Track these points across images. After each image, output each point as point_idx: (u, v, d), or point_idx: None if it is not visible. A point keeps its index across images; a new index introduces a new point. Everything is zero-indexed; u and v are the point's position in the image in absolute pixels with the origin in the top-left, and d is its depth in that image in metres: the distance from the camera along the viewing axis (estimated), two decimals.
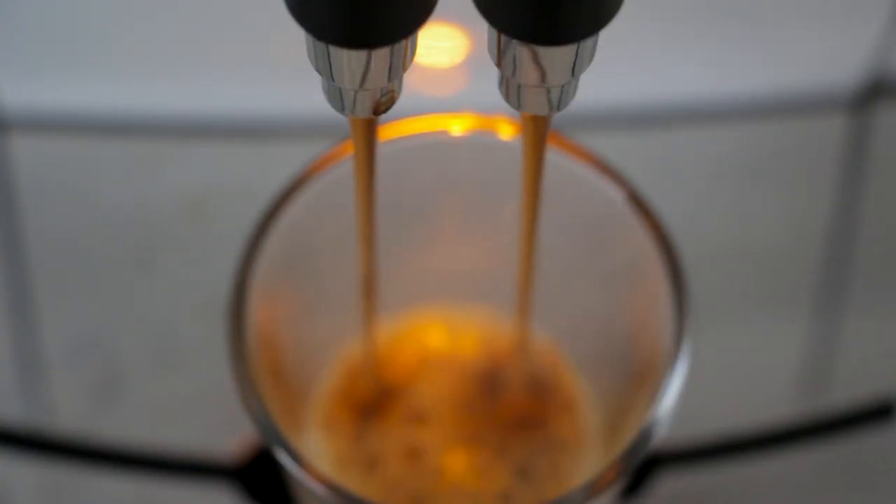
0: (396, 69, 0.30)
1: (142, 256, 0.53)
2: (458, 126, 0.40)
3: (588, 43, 0.29)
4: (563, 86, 0.31)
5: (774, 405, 0.51)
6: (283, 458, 0.35)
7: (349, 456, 0.40)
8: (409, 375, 0.42)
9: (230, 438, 0.46)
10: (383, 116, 0.32)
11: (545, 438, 0.41)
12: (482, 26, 0.29)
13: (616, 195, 0.38)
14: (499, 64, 0.30)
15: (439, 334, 0.42)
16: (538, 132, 0.33)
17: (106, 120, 0.55)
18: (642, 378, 0.38)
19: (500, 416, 0.41)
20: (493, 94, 0.32)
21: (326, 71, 0.30)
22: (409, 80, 0.32)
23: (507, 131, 0.39)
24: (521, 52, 0.29)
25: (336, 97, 0.31)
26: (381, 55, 0.29)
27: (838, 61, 0.56)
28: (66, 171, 0.55)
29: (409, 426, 0.41)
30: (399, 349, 0.42)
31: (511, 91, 0.31)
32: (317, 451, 0.40)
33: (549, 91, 0.31)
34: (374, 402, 0.41)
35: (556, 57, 0.29)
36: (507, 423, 0.41)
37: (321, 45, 0.29)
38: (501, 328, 0.42)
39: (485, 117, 0.39)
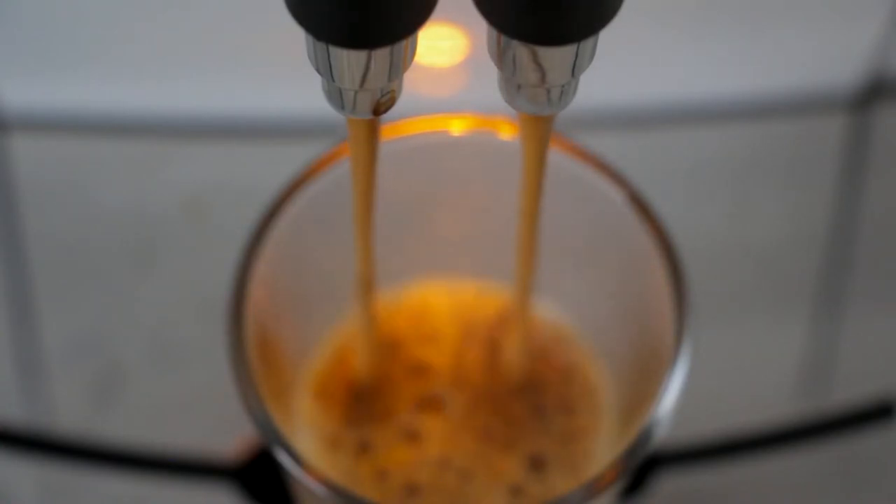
0: (396, 69, 0.30)
1: (141, 256, 0.53)
2: (458, 126, 0.40)
3: (588, 43, 0.29)
4: (563, 86, 0.31)
5: (774, 405, 0.51)
6: (283, 458, 0.35)
7: (339, 438, 0.40)
8: (411, 361, 0.41)
9: (230, 438, 0.46)
10: (383, 116, 0.32)
11: (560, 428, 0.40)
12: (482, 26, 0.29)
13: (616, 195, 0.38)
14: (499, 64, 0.30)
15: (441, 320, 0.42)
16: (539, 132, 0.33)
17: (106, 120, 0.56)
18: (648, 375, 0.38)
19: (510, 403, 0.41)
20: (493, 94, 0.32)
21: (326, 71, 0.30)
22: (409, 80, 0.32)
23: (507, 131, 0.39)
24: (521, 52, 0.29)
25: (336, 97, 0.31)
26: (381, 55, 0.29)
27: (838, 61, 0.56)
28: (66, 171, 0.55)
29: (408, 410, 0.41)
30: (400, 335, 0.42)
31: (511, 91, 0.31)
32: (306, 431, 0.40)
33: (549, 91, 0.31)
34: (370, 384, 0.41)
35: (556, 57, 0.29)
36: (518, 410, 0.41)
37: (321, 45, 0.29)
38: (507, 315, 0.42)
39: (485, 117, 0.39)
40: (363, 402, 0.41)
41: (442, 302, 0.42)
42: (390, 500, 0.39)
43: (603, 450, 0.40)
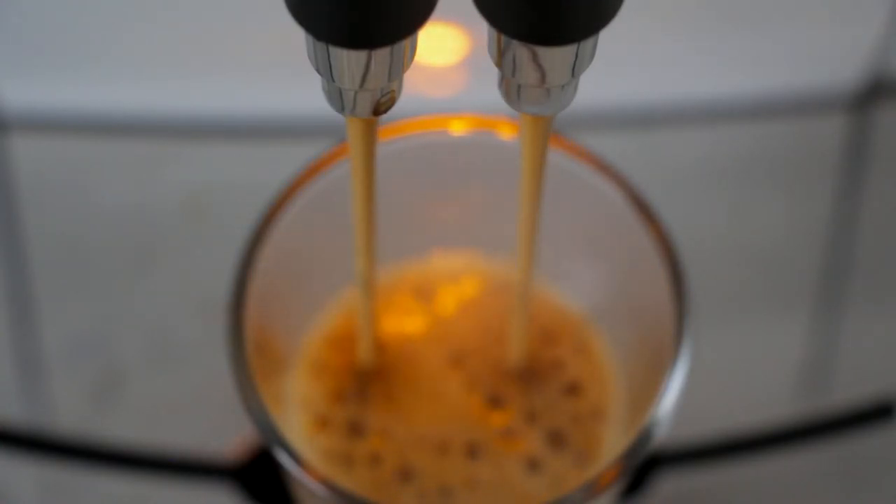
0: (396, 69, 0.30)
1: (141, 256, 0.53)
2: (458, 126, 0.40)
3: (588, 43, 0.29)
4: (563, 86, 0.31)
5: (774, 405, 0.51)
6: (283, 458, 0.35)
7: (330, 419, 0.40)
8: (412, 343, 0.41)
9: (230, 438, 0.46)
10: (383, 116, 0.32)
11: (572, 407, 0.40)
12: (482, 26, 0.29)
13: (616, 195, 0.38)
14: (499, 64, 0.30)
15: (440, 302, 0.42)
16: (539, 133, 0.33)
17: (106, 120, 0.56)
18: (649, 375, 0.38)
19: (515, 384, 0.41)
20: (493, 94, 0.32)
21: (326, 71, 0.30)
22: (409, 80, 0.32)
23: (507, 131, 0.39)
24: (521, 52, 0.29)
25: (336, 97, 0.31)
26: (381, 55, 0.29)
27: (838, 61, 0.56)
28: (66, 171, 0.55)
29: (409, 390, 0.40)
30: (401, 318, 0.42)
31: (511, 91, 0.31)
32: (299, 413, 0.40)
33: (549, 91, 0.31)
34: (368, 367, 0.41)
35: (556, 57, 0.29)
36: (524, 390, 0.40)
37: (321, 46, 0.29)
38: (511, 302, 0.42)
39: (485, 117, 0.39)
40: (360, 382, 0.40)
41: (444, 283, 0.42)
42: (386, 483, 0.39)
43: (614, 435, 0.40)
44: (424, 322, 0.42)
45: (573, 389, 0.40)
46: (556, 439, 0.40)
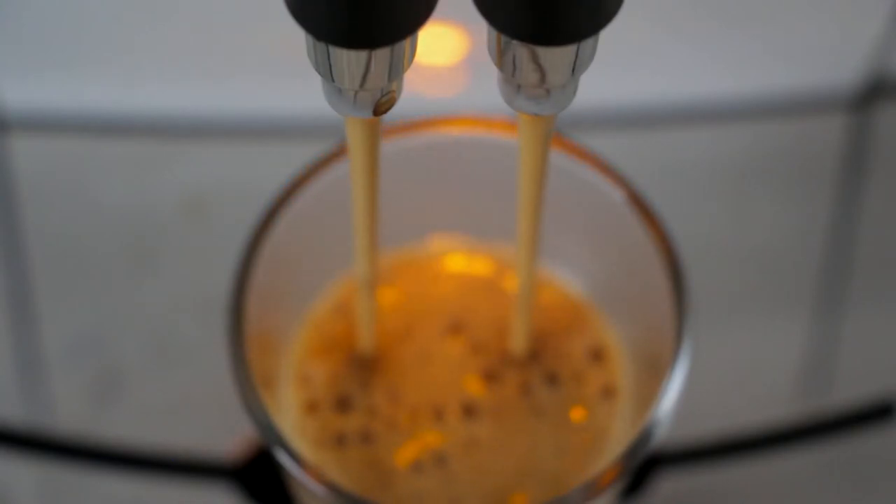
0: (396, 69, 0.30)
1: (141, 256, 0.53)
2: (458, 126, 0.40)
3: (588, 43, 0.29)
4: (563, 86, 0.31)
5: (774, 405, 0.51)
6: (283, 458, 0.35)
7: (319, 400, 0.40)
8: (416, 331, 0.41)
9: (230, 438, 0.46)
10: (383, 117, 0.32)
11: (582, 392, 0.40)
12: (482, 26, 0.29)
13: (616, 195, 0.38)
14: (499, 64, 0.30)
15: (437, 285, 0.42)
16: (539, 133, 0.33)
17: (106, 120, 0.56)
18: (649, 375, 0.38)
19: (516, 366, 0.41)
20: (493, 94, 0.32)
21: (326, 71, 0.30)
22: (409, 80, 0.32)
23: (507, 131, 0.39)
24: (521, 52, 0.29)
25: (336, 97, 0.31)
26: (381, 55, 0.29)
27: (838, 61, 0.56)
28: (66, 171, 0.55)
29: (407, 361, 0.40)
30: (400, 299, 0.42)
31: (511, 91, 0.31)
32: (291, 391, 0.40)
33: (549, 91, 0.31)
34: (368, 349, 0.41)
35: (556, 57, 0.29)
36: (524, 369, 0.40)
37: (321, 46, 0.29)
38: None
39: (485, 117, 0.39)
40: (357, 363, 0.40)
41: (441, 263, 0.42)
42: (383, 456, 0.39)
43: (620, 422, 0.40)
44: (423, 298, 0.42)
45: (595, 355, 0.40)
46: (560, 406, 0.40)
